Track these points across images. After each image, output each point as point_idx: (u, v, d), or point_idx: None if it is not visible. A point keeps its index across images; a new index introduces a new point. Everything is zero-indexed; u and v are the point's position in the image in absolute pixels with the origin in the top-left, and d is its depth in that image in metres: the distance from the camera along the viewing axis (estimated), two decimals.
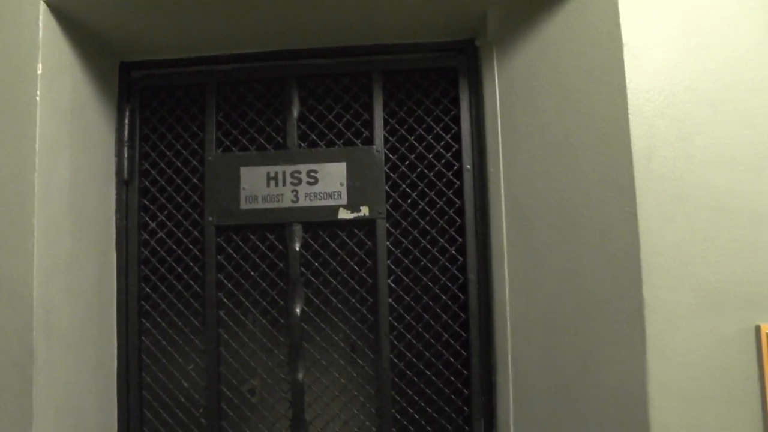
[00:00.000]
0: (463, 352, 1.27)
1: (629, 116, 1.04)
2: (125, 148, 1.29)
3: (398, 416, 1.27)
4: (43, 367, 1.05)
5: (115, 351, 1.28)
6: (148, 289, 1.31)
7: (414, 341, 1.28)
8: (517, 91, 1.20)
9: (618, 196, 1.05)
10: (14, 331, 1.04)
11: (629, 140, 1.04)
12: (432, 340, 1.28)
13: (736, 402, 1.10)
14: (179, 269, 1.31)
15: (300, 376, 1.28)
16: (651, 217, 1.03)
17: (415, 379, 1.28)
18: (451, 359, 1.28)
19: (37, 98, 1.05)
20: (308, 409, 1.29)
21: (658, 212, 1.03)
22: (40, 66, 1.06)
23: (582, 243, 1.08)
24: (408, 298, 1.28)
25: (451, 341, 1.28)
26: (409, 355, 1.28)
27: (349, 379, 1.29)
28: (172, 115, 1.33)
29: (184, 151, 1.32)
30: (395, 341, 1.28)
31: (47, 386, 1.06)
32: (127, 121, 1.30)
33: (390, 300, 1.28)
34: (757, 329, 1.05)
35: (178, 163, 1.32)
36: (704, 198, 1.04)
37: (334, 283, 1.29)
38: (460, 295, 1.27)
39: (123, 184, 1.29)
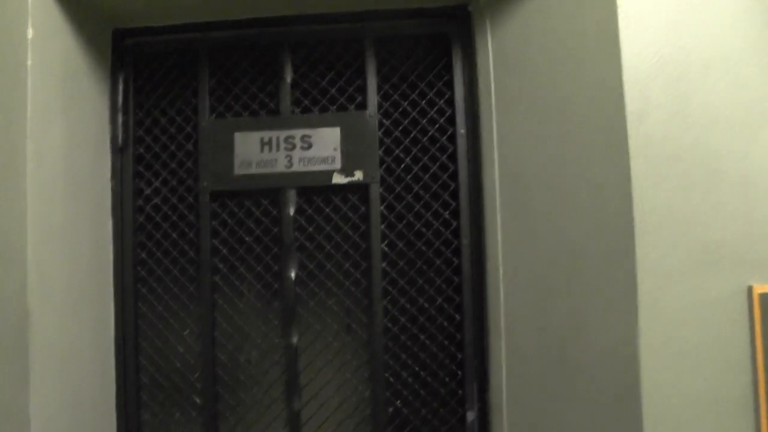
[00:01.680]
0: (456, 316, 1.27)
1: (623, 78, 1.03)
2: (119, 115, 1.30)
3: (391, 380, 1.28)
4: (39, 332, 1.06)
5: (112, 317, 1.29)
6: (143, 255, 1.32)
7: (407, 305, 1.29)
8: (510, 55, 1.19)
9: (611, 157, 1.05)
10: (9, 296, 1.05)
11: (623, 102, 1.04)
12: (425, 305, 1.28)
13: (727, 362, 1.10)
14: (174, 235, 1.31)
15: (294, 340, 1.29)
16: (644, 178, 1.03)
17: (409, 343, 1.29)
18: (445, 323, 1.28)
19: (28, 63, 1.06)
20: (302, 374, 1.29)
21: (652, 173, 1.03)
22: (30, 30, 1.06)
23: (575, 205, 1.08)
24: (401, 263, 1.29)
25: (445, 305, 1.28)
26: (402, 319, 1.29)
27: (343, 344, 1.30)
28: (165, 82, 1.33)
29: (178, 118, 1.32)
30: (389, 306, 1.29)
31: (44, 351, 1.07)
32: (120, 88, 1.30)
33: (383, 265, 1.28)
34: (750, 290, 1.05)
35: (172, 130, 1.32)
36: (698, 159, 1.04)
37: (328, 248, 1.30)
38: (454, 259, 1.28)
39: (118, 151, 1.30)
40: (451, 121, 1.29)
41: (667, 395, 1.15)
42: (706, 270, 1.07)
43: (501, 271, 1.20)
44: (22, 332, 1.04)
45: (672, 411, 1.14)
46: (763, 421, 1.12)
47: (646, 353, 1.06)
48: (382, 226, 1.28)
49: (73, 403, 1.15)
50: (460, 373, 1.27)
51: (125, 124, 1.30)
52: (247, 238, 1.31)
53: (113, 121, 1.29)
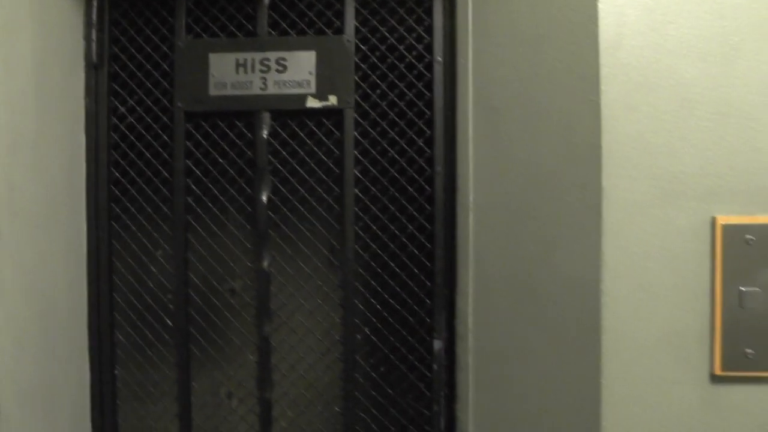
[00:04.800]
0: (427, 244, 1.28)
1: (598, 6, 1.02)
2: (94, 32, 1.28)
3: (362, 307, 1.29)
4: (8, 246, 1.06)
5: (85, 235, 1.30)
6: (117, 174, 1.32)
7: (379, 232, 1.29)
8: None
9: (583, 85, 1.04)
10: None
11: (597, 29, 1.03)
12: (397, 232, 1.29)
13: (687, 291, 1.11)
14: (148, 155, 1.31)
15: (265, 264, 1.29)
16: (615, 106, 1.03)
17: (379, 270, 1.30)
18: (416, 251, 1.29)
19: None
20: (273, 298, 1.31)
21: (623, 101, 1.02)
22: None
23: (546, 133, 1.08)
24: (374, 189, 1.29)
25: (416, 234, 1.29)
26: (373, 246, 1.29)
27: (314, 269, 1.31)
28: (142, 0, 1.32)
29: (154, 37, 1.31)
30: (360, 232, 1.29)
31: (14, 267, 1.08)
32: (95, 4, 1.28)
33: (356, 190, 1.28)
34: (713, 221, 1.06)
35: (148, 49, 1.31)
36: (671, 88, 1.03)
37: (302, 172, 1.30)
38: (427, 187, 1.28)
39: (93, 68, 1.29)
40: (429, 49, 1.28)
41: (627, 323, 1.16)
42: (672, 200, 1.07)
43: (471, 200, 1.20)
44: None
45: (631, 339, 1.16)
46: (717, 350, 1.13)
47: (608, 280, 1.07)
48: (356, 152, 1.28)
49: (45, 318, 1.16)
50: (429, 302, 1.29)
51: (100, 40, 1.29)
52: (220, 160, 1.31)
53: (88, 37, 1.28)
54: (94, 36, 1.28)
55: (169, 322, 1.32)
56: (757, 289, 1.09)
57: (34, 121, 1.13)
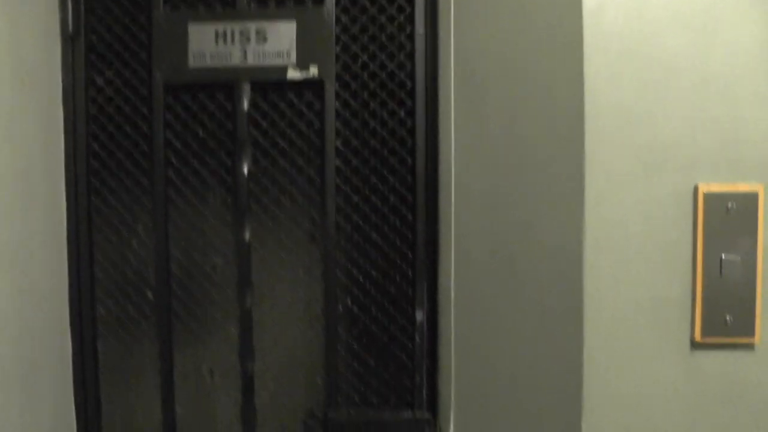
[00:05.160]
0: (409, 216, 1.28)
1: None
2: (69, 2, 1.26)
3: (343, 279, 1.29)
4: None
5: (65, 208, 1.28)
6: (96, 147, 1.30)
7: (361, 204, 1.29)
8: None
9: (565, 55, 1.04)
10: None
11: None
12: (379, 203, 1.28)
13: (669, 260, 1.11)
14: (128, 128, 1.30)
15: (246, 236, 1.29)
16: (597, 75, 1.02)
17: (361, 242, 1.29)
18: (397, 223, 1.29)
19: None
20: (255, 270, 1.30)
21: (605, 71, 1.02)
22: None
23: (528, 103, 1.08)
24: (355, 161, 1.28)
25: (398, 205, 1.28)
26: (355, 217, 1.29)
27: (296, 241, 1.30)
28: None
29: (131, 7, 1.29)
30: (342, 203, 1.28)
31: None
32: None
33: (337, 162, 1.27)
34: (695, 189, 1.05)
35: (126, 19, 1.29)
36: (654, 57, 1.03)
37: (282, 144, 1.29)
38: (408, 158, 1.27)
39: (69, 39, 1.27)
40: (411, 19, 1.26)
41: (609, 293, 1.16)
42: (655, 170, 1.07)
43: (453, 171, 1.20)
44: None
45: (613, 309, 1.16)
46: (698, 317, 1.14)
47: (590, 251, 1.07)
48: (337, 123, 1.27)
49: (24, 294, 1.14)
50: (410, 273, 1.28)
51: (76, 11, 1.27)
52: (200, 133, 1.29)
53: (63, 7, 1.26)
54: (69, 6, 1.26)
55: (150, 296, 1.32)
56: (738, 256, 1.09)
57: (9, 93, 1.11)
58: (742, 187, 1.03)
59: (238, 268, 1.30)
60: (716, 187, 1.03)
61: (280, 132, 1.28)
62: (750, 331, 1.07)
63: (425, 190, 1.25)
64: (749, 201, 1.04)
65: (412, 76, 1.26)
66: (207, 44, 1.25)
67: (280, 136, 1.29)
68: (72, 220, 1.29)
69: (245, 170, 1.27)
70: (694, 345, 1.11)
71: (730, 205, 1.05)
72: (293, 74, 1.25)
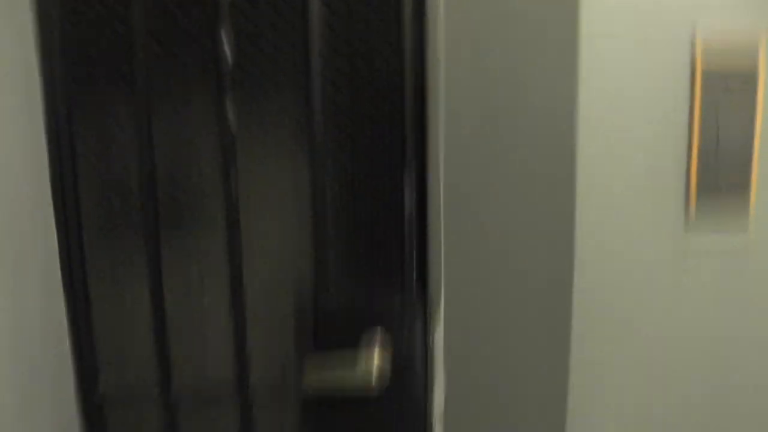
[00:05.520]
0: (397, 100, 1.25)
1: None
2: None
3: (331, 167, 1.27)
4: None
5: (42, 113, 1.25)
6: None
7: (348, 85, 1.26)
8: None
9: None
10: None
11: None
12: (367, 86, 1.25)
13: (665, 132, 1.10)
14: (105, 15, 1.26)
15: (232, 128, 1.26)
16: None
17: (349, 122, 1.27)
18: (386, 107, 1.26)
19: None
20: (240, 164, 1.28)
21: None
22: None
23: None
24: (340, 43, 1.25)
25: (387, 91, 1.26)
26: (341, 104, 1.26)
27: (283, 134, 1.28)
28: None
29: None
30: (329, 86, 1.25)
31: None
32: None
33: (320, 45, 1.24)
34: (693, 60, 1.04)
35: None
36: None
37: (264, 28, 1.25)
38: (395, 40, 1.24)
39: None
40: None
41: (601, 173, 1.14)
42: (650, 28, 1.05)
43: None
44: None
45: (606, 191, 1.14)
46: (692, 194, 1.12)
47: (583, 127, 1.06)
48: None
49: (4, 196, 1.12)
50: (400, 155, 1.27)
51: None
52: (182, 18, 1.25)
53: None
54: None
55: (136, 199, 1.29)
56: (736, 129, 1.08)
57: None
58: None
59: (222, 160, 1.27)
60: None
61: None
62: None
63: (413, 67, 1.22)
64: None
65: None
66: None
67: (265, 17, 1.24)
68: (52, 124, 1.25)
69: (230, 58, 1.24)
70: (689, 225, 1.10)
71: (729, 83, 1.04)
72: None
